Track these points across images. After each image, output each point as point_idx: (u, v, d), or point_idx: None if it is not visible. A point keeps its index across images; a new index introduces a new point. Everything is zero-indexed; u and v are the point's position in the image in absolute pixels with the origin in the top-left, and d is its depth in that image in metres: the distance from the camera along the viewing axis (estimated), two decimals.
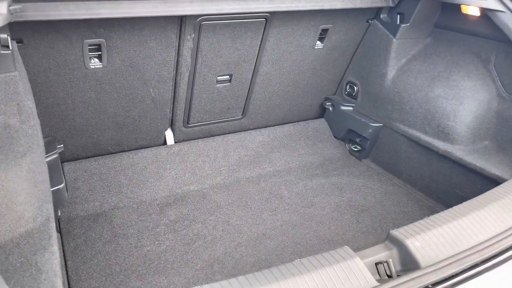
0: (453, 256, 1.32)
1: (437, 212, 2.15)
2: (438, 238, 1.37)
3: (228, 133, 2.67)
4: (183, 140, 2.57)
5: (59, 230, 1.96)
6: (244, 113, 2.63)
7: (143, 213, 2.13)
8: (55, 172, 1.88)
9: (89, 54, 1.91)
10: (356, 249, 1.97)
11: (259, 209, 2.21)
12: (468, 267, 1.28)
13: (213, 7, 1.91)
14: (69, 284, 1.70)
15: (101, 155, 2.35)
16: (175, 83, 2.25)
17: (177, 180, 2.35)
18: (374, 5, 2.30)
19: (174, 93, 2.29)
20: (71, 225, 2.01)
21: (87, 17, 1.66)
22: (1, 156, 1.45)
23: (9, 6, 1.26)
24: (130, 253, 1.86)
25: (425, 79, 2.31)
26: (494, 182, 1.98)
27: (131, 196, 2.22)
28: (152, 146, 2.49)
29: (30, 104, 1.64)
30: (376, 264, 1.34)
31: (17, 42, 1.72)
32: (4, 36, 1.55)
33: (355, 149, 2.77)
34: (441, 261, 1.30)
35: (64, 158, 2.26)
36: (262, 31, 2.23)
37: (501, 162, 2.01)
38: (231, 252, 1.90)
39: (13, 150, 1.50)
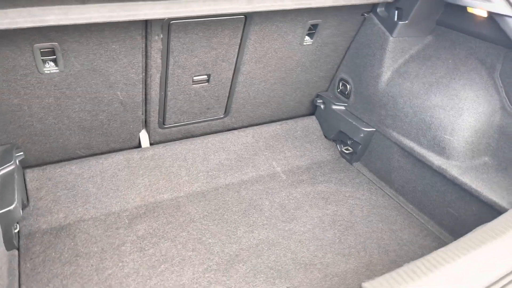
0: None
1: (430, 230, 1.99)
2: None
3: (210, 133, 2.49)
4: (160, 142, 2.40)
5: (17, 247, 1.83)
6: (226, 112, 2.43)
7: (110, 227, 1.99)
8: (7, 189, 1.74)
9: (42, 59, 1.71)
10: (335, 275, 1.83)
11: (235, 223, 2.06)
12: None
13: (180, 10, 1.68)
14: None
15: (70, 159, 2.19)
16: (145, 85, 2.05)
17: (150, 188, 2.20)
18: (370, 1, 2.04)
19: (146, 95, 2.10)
20: (30, 241, 1.88)
21: (31, 25, 1.45)
22: None
23: None
24: (90, 277, 1.73)
25: (422, 85, 2.07)
26: (489, 207, 1.79)
27: (99, 207, 2.07)
28: (125, 149, 2.32)
29: None
30: None
31: None
32: None
33: (347, 151, 2.57)
34: None
35: (27, 164, 2.11)
36: (242, 29, 1.99)
37: (499, 185, 1.82)
38: (199, 278, 1.76)
39: None
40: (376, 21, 2.21)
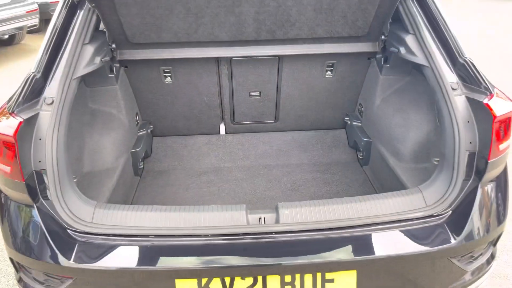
0: (301, 222, 2.14)
1: None
2: (301, 213, 2.19)
3: (264, 132, 3.72)
4: (232, 132, 3.72)
5: (140, 175, 3.36)
6: (276, 118, 3.63)
7: (188, 175, 3.38)
8: (139, 142, 3.28)
9: (164, 75, 3.22)
10: None
11: (259, 185, 3.23)
12: (301, 230, 2.08)
13: (233, 52, 3.00)
14: (132, 202, 3.05)
15: (177, 135, 3.69)
16: (220, 94, 3.41)
17: (218, 158, 3.54)
18: (361, 50, 3.02)
19: (221, 101, 3.46)
20: (147, 174, 3.40)
21: (155, 57, 2.95)
22: (102, 129, 2.86)
23: (102, 58, 2.60)
24: (168, 195, 3.14)
25: (392, 109, 2.94)
26: None
27: (186, 164, 3.49)
28: (210, 134, 3.71)
29: (123, 103, 3.03)
30: (260, 218, 2.26)
31: (124, 67, 3.13)
32: (117, 65, 2.97)
33: (360, 157, 3.49)
34: (291, 224, 2.14)
35: (155, 134, 3.67)
36: (277, 65, 3.20)
37: (424, 181, 2.58)
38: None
39: (108, 126, 2.90)
40: (375, 63, 3.15)
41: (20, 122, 1.97)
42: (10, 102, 2.12)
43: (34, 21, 9.31)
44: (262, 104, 3.50)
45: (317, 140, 3.68)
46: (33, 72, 2.18)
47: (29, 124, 2.02)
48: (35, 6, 9.23)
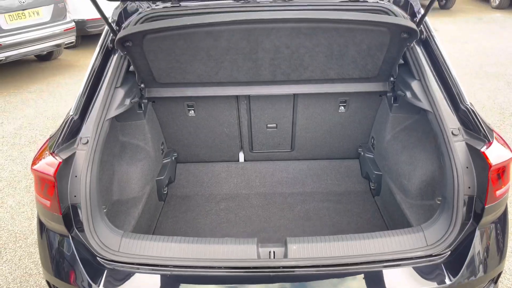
0: (307, 258, 2.33)
1: None
2: (309, 248, 2.37)
3: (281, 160, 3.92)
4: (251, 160, 3.94)
5: (163, 200, 3.62)
6: (292, 148, 3.83)
7: (208, 201, 3.62)
8: (163, 169, 3.54)
9: (188, 108, 3.48)
10: None
11: (273, 214, 3.43)
12: (307, 265, 2.27)
13: (250, 91, 3.22)
14: (155, 228, 3.31)
15: (199, 162, 3.94)
16: (239, 126, 3.64)
17: (236, 185, 3.76)
18: (371, 89, 3.19)
19: (240, 131, 3.68)
20: (170, 199, 3.66)
21: (179, 95, 3.21)
22: (130, 160, 3.14)
23: (131, 99, 2.88)
24: (188, 220, 3.38)
25: (400, 146, 3.09)
26: None
27: (207, 190, 3.73)
28: (230, 161, 3.95)
29: (150, 135, 3.30)
30: (270, 252, 2.46)
31: (152, 102, 3.41)
32: (145, 101, 3.24)
33: (372, 187, 3.63)
34: (298, 259, 2.33)
35: (179, 161, 3.93)
36: (292, 101, 3.40)
37: (425, 217, 2.72)
38: (238, 234, 3.21)
39: (136, 157, 3.17)
40: (386, 101, 3.31)
41: (60, 163, 2.25)
42: (51, 141, 2.41)
43: (71, 38, 9.82)
44: (279, 135, 3.70)
45: (331, 169, 3.85)
46: (71, 115, 2.47)
47: (67, 164, 2.30)
48: (72, 25, 9.75)
